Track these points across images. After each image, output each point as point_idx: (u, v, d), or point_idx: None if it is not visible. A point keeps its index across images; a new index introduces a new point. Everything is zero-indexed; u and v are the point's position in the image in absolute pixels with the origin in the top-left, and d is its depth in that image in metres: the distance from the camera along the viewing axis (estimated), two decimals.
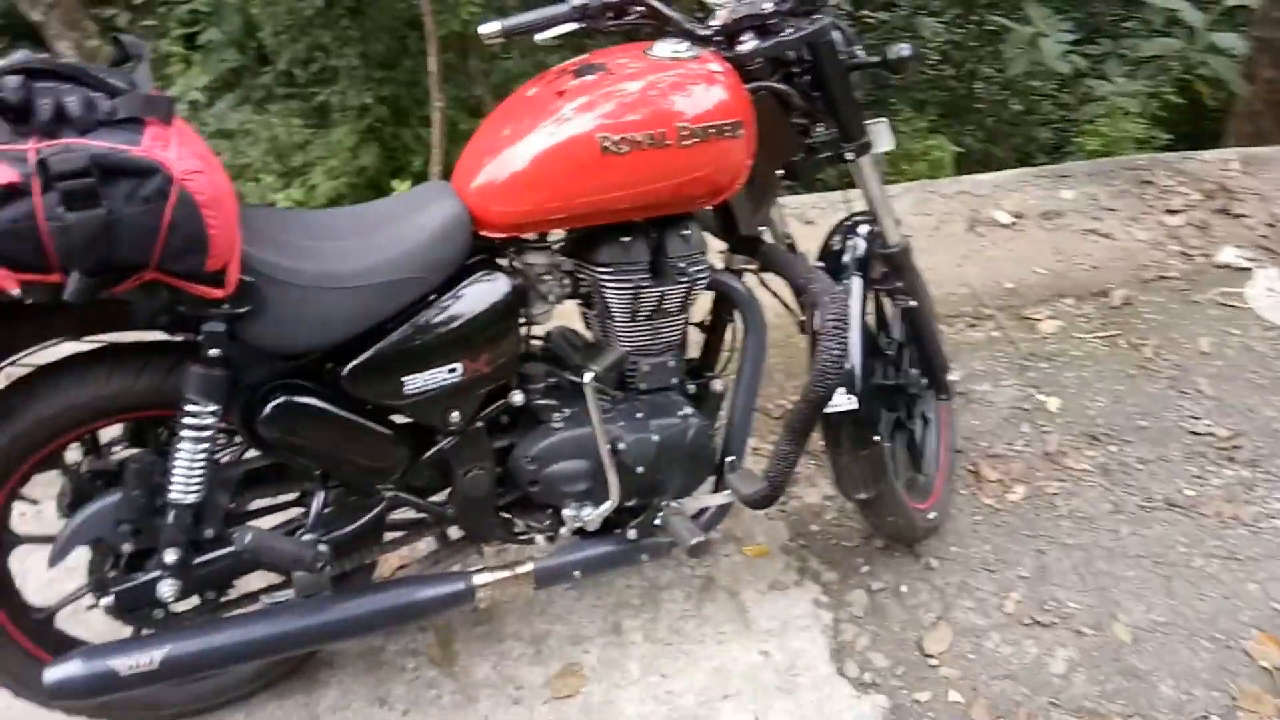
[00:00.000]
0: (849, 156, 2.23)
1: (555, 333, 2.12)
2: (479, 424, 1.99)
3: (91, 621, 1.91)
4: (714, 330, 2.28)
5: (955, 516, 2.77)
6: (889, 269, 2.44)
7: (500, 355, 1.90)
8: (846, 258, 2.34)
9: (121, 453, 1.84)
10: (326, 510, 1.92)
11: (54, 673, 1.70)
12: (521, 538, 2.14)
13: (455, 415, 1.92)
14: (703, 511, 2.20)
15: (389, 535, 2.09)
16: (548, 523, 2.13)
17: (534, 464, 2.02)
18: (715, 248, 2.12)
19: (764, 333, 2.15)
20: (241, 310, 1.64)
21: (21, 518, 2.20)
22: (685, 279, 1.99)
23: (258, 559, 1.80)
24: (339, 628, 1.91)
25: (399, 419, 1.91)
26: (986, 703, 2.23)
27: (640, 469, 2.04)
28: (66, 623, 1.97)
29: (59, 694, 1.70)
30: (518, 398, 2.00)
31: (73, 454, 1.83)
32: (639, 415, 2.05)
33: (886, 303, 2.56)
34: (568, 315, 2.16)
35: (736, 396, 2.19)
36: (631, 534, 2.12)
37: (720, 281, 2.10)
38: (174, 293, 1.58)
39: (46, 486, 1.87)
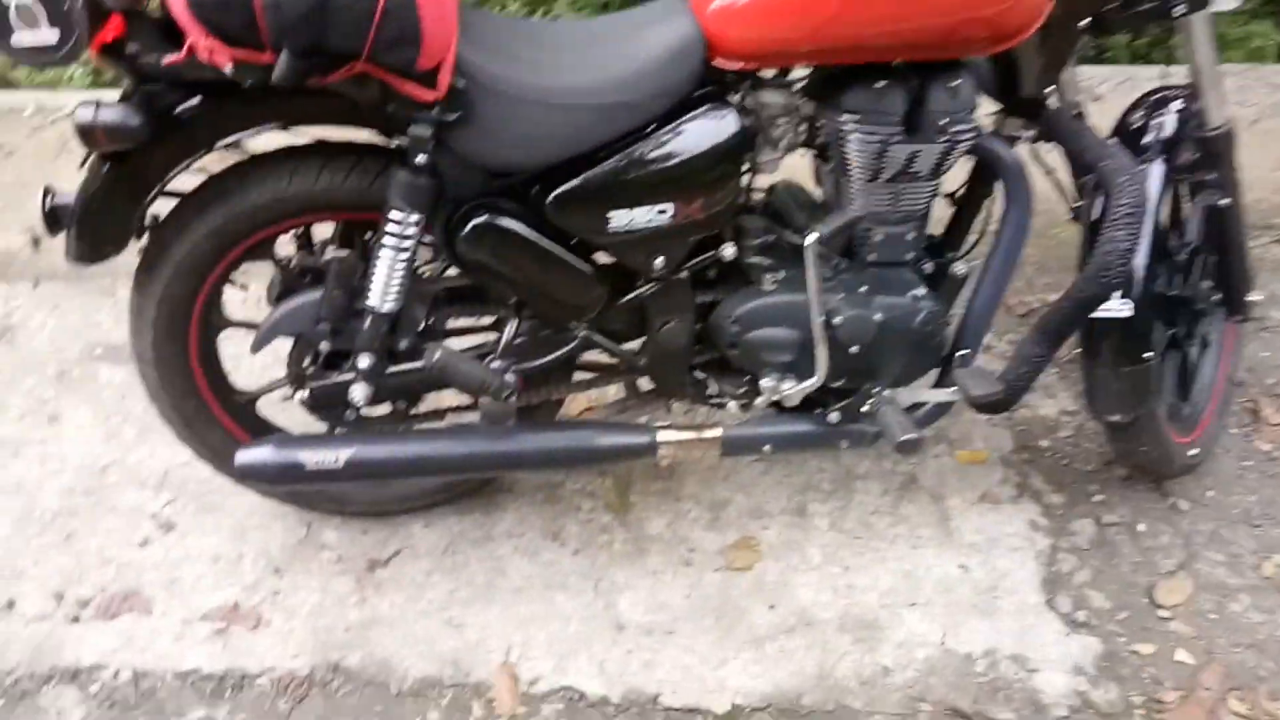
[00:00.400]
0: (1178, 11, 1.80)
1: (781, 186, 1.90)
2: (684, 274, 1.83)
3: (294, 412, 1.98)
4: (966, 204, 1.97)
5: (1220, 457, 2.37)
6: (1201, 156, 2.01)
7: (717, 202, 1.71)
8: (1149, 137, 1.94)
9: (331, 252, 1.83)
10: (518, 340, 1.85)
11: (245, 455, 1.77)
12: (713, 401, 2.00)
13: (660, 261, 1.77)
14: (919, 405, 1.97)
15: (578, 376, 2.01)
16: (743, 390, 1.97)
17: (737, 325, 1.85)
18: (985, 107, 1.79)
19: (1029, 212, 1.83)
20: (451, 116, 1.54)
21: (242, 304, 2.32)
22: (944, 139, 1.69)
23: (445, 377, 1.76)
24: (518, 458, 1.87)
25: (601, 256, 1.78)
26: (1221, 670, 1.93)
27: (854, 348, 1.82)
28: (271, 409, 2.06)
29: (247, 475, 1.77)
30: (729, 251, 1.82)
31: (287, 247, 1.85)
32: (862, 289, 1.82)
33: (1185, 198, 2.13)
34: (797, 171, 1.92)
35: (981, 283, 1.90)
36: (834, 417, 1.93)
37: (987, 147, 1.79)
38: (385, 89, 1.49)
39: (261, 277, 1.92)
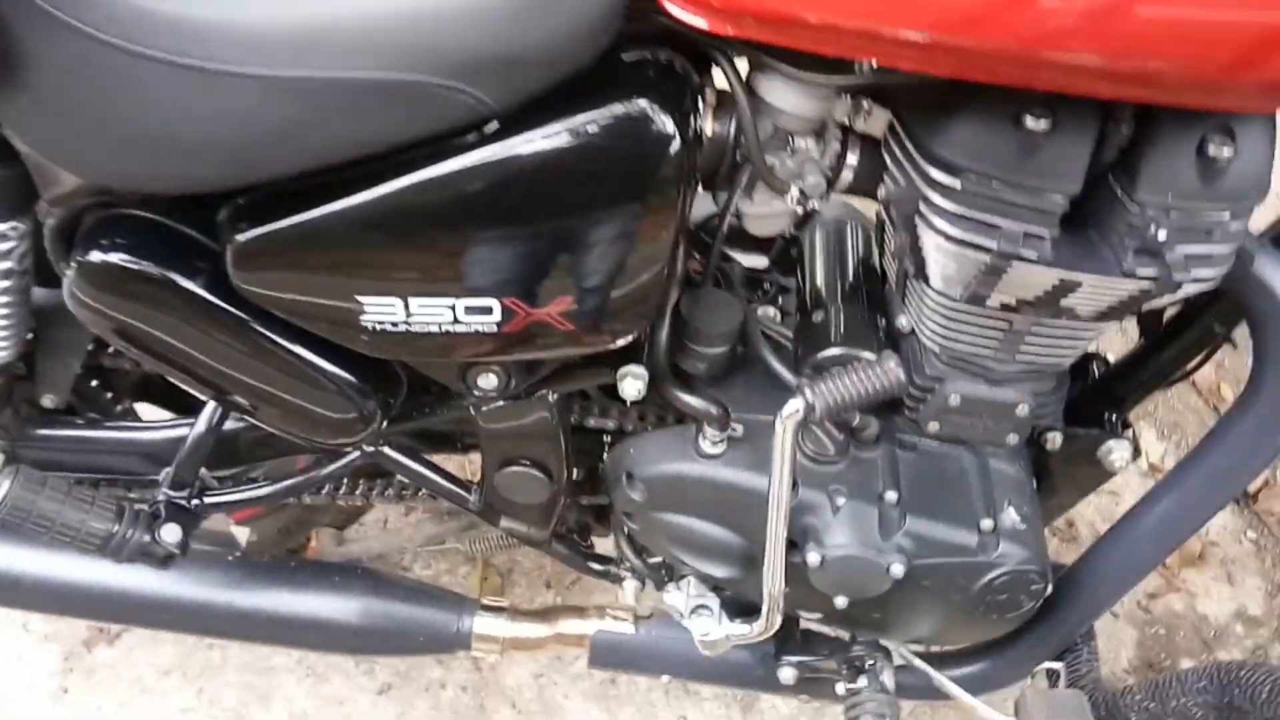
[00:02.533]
0: None
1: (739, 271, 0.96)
2: (548, 393, 0.93)
3: None
4: (1163, 344, 0.98)
5: None
6: None
7: (616, 304, 0.79)
8: None
9: None
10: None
11: None
12: (597, 570, 1.14)
13: (487, 382, 0.88)
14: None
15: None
16: (653, 565, 1.11)
17: (639, 493, 0.96)
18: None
19: None
20: None
21: None
22: (1161, 274, 0.71)
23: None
24: (201, 618, 1.08)
25: None
26: None
27: (840, 600, 0.93)
28: None
29: None
30: (633, 385, 0.90)
31: None
32: (883, 496, 0.90)
33: None
34: None
35: (1155, 502, 0.95)
36: (786, 674, 1.05)
37: (1254, 279, 0.79)
38: None
39: None
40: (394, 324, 0.79)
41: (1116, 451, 0.96)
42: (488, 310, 0.78)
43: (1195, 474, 0.91)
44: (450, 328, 0.79)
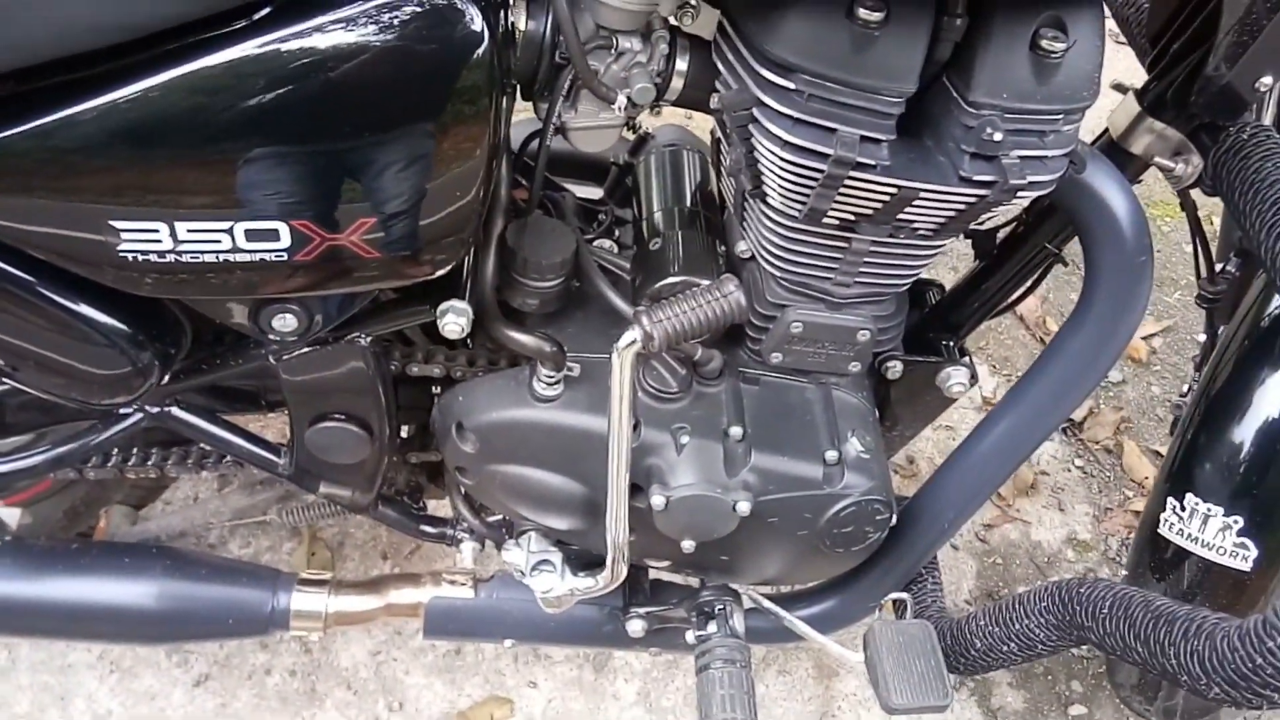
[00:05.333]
0: None
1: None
2: (359, 336, 0.84)
3: None
4: (1001, 254, 0.97)
5: None
6: None
7: (417, 232, 0.70)
8: None
9: None
10: None
11: None
12: (429, 533, 1.06)
13: (287, 322, 0.78)
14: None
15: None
16: (492, 523, 1.03)
17: (471, 444, 0.88)
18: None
19: (1132, 304, 0.84)
20: None
21: None
22: (996, 184, 0.69)
23: None
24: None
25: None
26: None
27: (687, 544, 0.87)
28: None
29: None
30: (454, 321, 0.82)
31: None
32: (727, 431, 0.85)
33: None
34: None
35: (995, 423, 0.94)
36: (635, 625, 1.00)
37: (1083, 187, 0.78)
38: None
39: None
40: (159, 254, 0.68)
41: (955, 377, 0.95)
42: (274, 235, 0.68)
43: (1030, 395, 0.90)
44: (230, 256, 0.69)
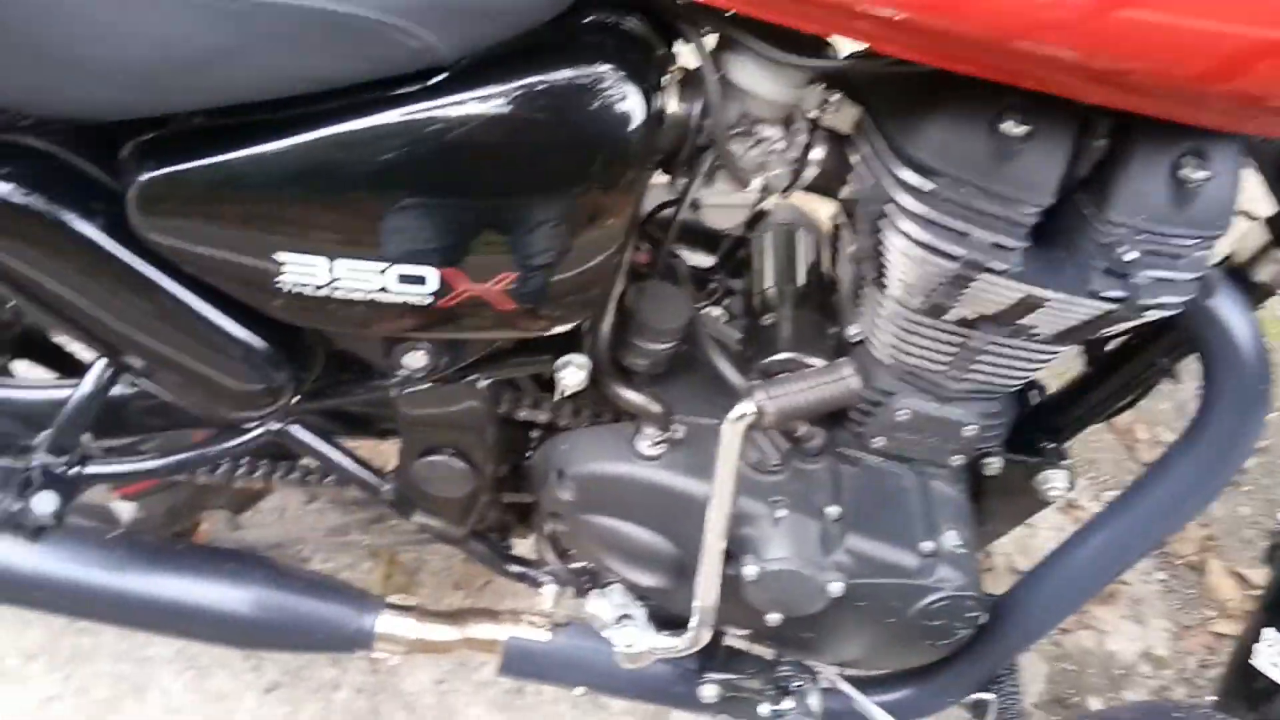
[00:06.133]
0: None
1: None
2: (478, 378, 0.88)
3: None
4: (1105, 375, 0.97)
5: None
6: None
7: (561, 289, 0.74)
8: None
9: None
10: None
11: None
12: (515, 572, 1.08)
13: (415, 360, 0.82)
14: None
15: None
16: (575, 570, 1.05)
17: (569, 492, 0.91)
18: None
19: (1252, 424, 0.84)
20: None
21: None
22: (1125, 297, 0.69)
23: None
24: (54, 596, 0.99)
25: None
26: None
27: (774, 618, 0.88)
28: None
29: None
30: (572, 375, 0.85)
31: None
32: (825, 511, 0.86)
33: None
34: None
35: (1108, 522, 0.93)
36: (708, 691, 1.01)
37: (1207, 314, 0.78)
38: None
39: None
40: (316, 288, 0.72)
41: (1054, 480, 0.95)
42: (422, 280, 0.72)
43: (1133, 511, 0.90)
44: (379, 297, 0.73)
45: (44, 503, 0.87)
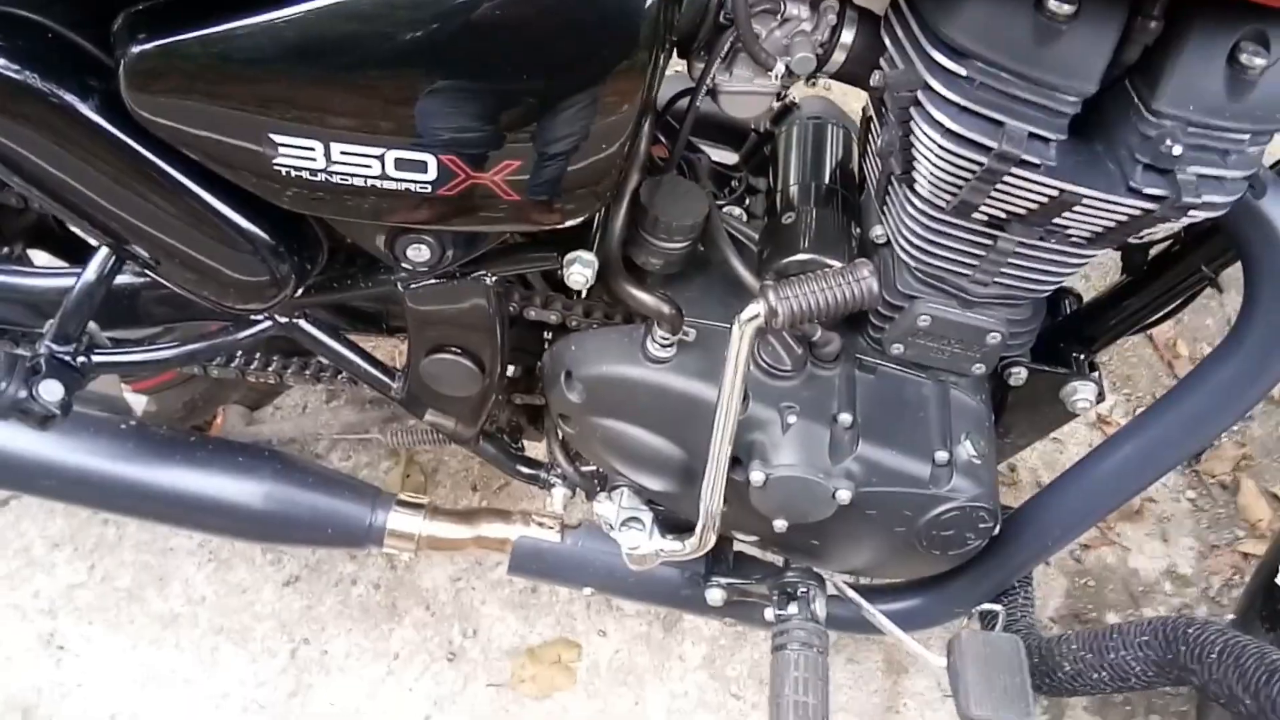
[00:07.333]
0: None
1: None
2: (485, 275, 0.85)
3: None
4: (1144, 282, 0.93)
5: None
6: None
7: (569, 175, 0.71)
8: None
9: None
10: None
11: None
12: (527, 474, 1.07)
13: (419, 253, 0.79)
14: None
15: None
16: (585, 475, 1.05)
17: (577, 393, 0.89)
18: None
19: None
20: None
21: None
22: (1169, 197, 0.65)
23: None
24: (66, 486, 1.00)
25: None
26: None
27: (780, 522, 0.87)
28: None
29: None
30: (580, 272, 0.82)
31: None
32: (838, 418, 0.84)
33: None
34: None
35: (1136, 433, 0.90)
36: (715, 594, 1.00)
37: (1259, 215, 0.73)
38: None
39: None
40: (312, 172, 0.69)
41: (1081, 392, 0.91)
42: (422, 166, 0.69)
43: (1162, 422, 0.86)
44: (377, 183, 0.70)
45: (49, 391, 0.86)
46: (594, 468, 1.03)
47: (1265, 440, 1.70)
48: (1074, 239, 0.72)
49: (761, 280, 0.83)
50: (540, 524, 1.02)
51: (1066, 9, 0.61)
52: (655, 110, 0.85)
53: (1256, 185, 0.69)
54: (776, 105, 1.03)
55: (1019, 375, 0.90)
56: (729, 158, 1.05)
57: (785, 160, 0.97)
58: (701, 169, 0.97)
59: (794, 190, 0.92)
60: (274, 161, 0.69)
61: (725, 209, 0.97)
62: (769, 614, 0.94)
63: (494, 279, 0.85)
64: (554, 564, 1.02)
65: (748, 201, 0.99)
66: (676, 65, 0.81)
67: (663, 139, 0.90)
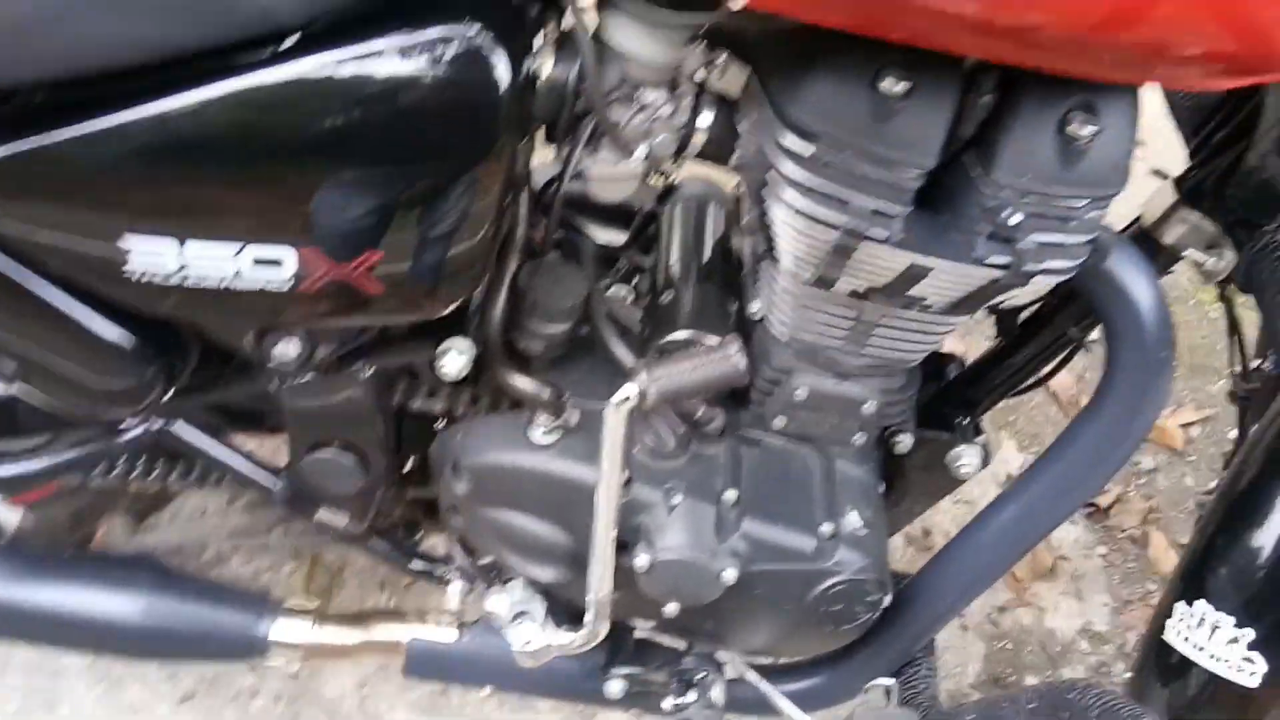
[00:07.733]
0: None
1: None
2: (362, 368, 0.84)
3: None
4: (1017, 346, 0.95)
5: None
6: None
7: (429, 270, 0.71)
8: None
9: None
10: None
11: None
12: (419, 570, 1.04)
13: (286, 350, 0.78)
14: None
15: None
16: (482, 566, 1.02)
17: (464, 483, 0.87)
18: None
19: (1157, 395, 0.81)
20: None
21: None
22: (1010, 260, 0.67)
23: None
24: None
25: None
26: None
27: (669, 608, 0.85)
28: None
29: None
30: (453, 362, 0.81)
31: None
32: (720, 494, 0.83)
33: None
34: None
35: (1017, 495, 0.91)
36: (614, 686, 0.97)
37: (1106, 276, 0.76)
38: None
39: None
40: (165, 275, 0.68)
41: (965, 457, 0.92)
42: (278, 263, 0.68)
43: (1042, 480, 0.87)
44: (233, 284, 0.69)
45: None
46: (492, 560, 1.00)
47: (1171, 492, 1.74)
48: (932, 307, 0.74)
49: (641, 360, 0.83)
50: (435, 623, 0.98)
51: (900, 88, 0.63)
52: (532, 195, 0.85)
53: (1100, 249, 0.72)
54: (660, 185, 1.06)
55: (904, 443, 0.90)
56: (618, 237, 1.06)
57: (668, 239, 0.98)
58: (586, 251, 0.98)
59: (675, 268, 0.93)
60: (125, 267, 0.68)
61: (612, 289, 0.98)
62: (666, 704, 0.91)
63: (371, 371, 0.84)
64: (451, 665, 0.98)
65: (635, 281, 1.00)
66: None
67: (542, 222, 0.90)
